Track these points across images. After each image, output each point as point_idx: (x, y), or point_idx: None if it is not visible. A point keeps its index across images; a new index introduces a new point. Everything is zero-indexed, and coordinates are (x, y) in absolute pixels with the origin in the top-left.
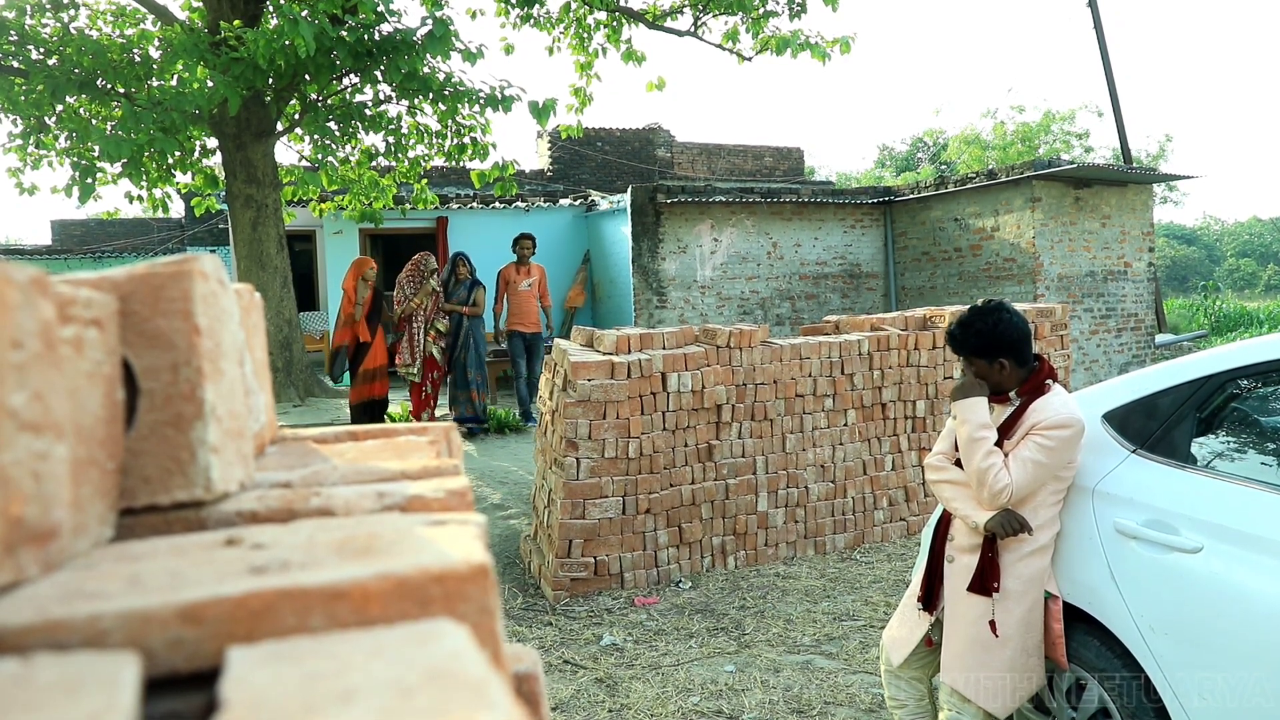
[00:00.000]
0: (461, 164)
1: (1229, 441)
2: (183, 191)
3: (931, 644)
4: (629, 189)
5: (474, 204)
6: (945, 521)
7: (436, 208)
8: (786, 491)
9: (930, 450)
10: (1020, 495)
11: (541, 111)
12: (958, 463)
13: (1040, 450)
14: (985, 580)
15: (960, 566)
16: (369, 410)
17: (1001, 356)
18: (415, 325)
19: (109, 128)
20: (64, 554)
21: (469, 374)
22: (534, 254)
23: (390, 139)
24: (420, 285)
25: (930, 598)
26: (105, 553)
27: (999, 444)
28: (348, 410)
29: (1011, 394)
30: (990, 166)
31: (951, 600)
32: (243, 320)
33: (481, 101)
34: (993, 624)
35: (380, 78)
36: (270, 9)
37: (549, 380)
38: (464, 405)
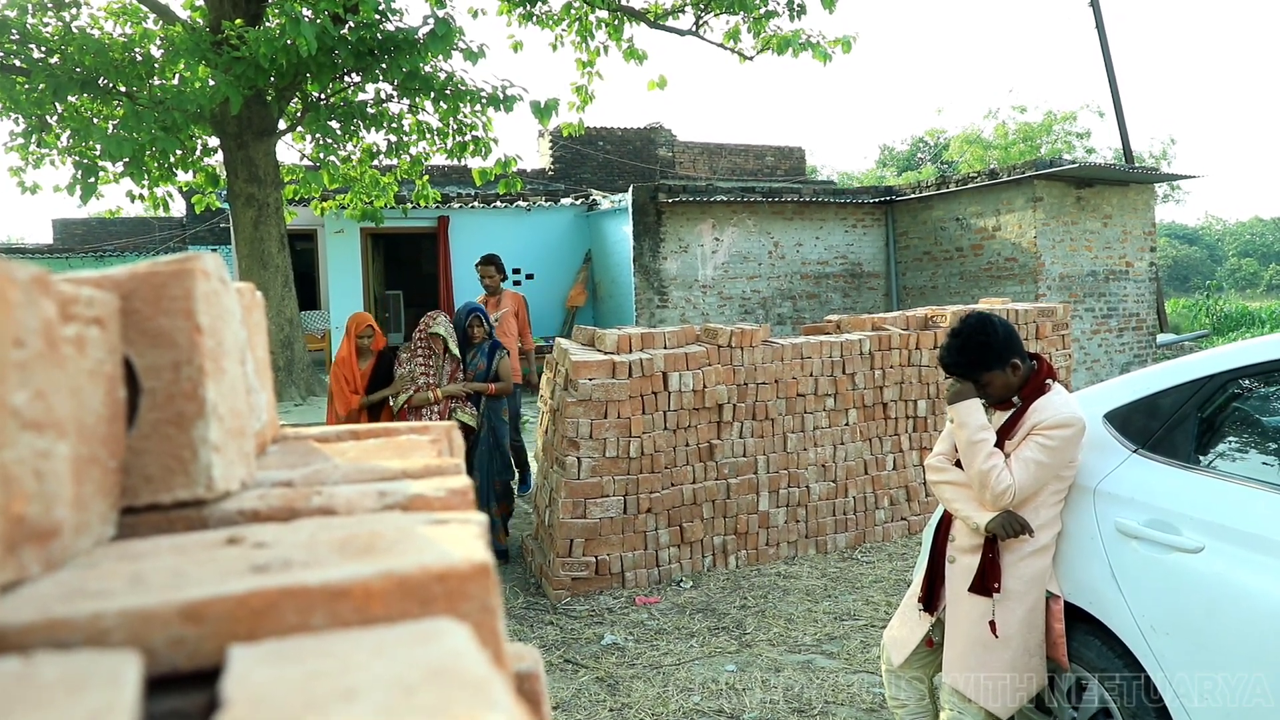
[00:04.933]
0: (463, 161)
1: (1230, 441)
2: (184, 190)
3: (932, 644)
4: (630, 188)
5: (475, 203)
6: (946, 522)
7: (438, 206)
8: (788, 491)
9: (931, 450)
10: (1023, 496)
11: (543, 111)
12: (958, 463)
13: (1042, 450)
14: (986, 581)
15: (961, 567)
16: None
17: (1012, 358)
18: (430, 418)
19: (111, 127)
20: (66, 552)
21: (492, 484)
22: (504, 279)
23: (392, 137)
24: (431, 359)
25: (931, 598)
26: (107, 551)
27: (1000, 445)
28: None
29: (1015, 399)
30: (992, 166)
31: (953, 600)
32: (244, 319)
33: (483, 101)
34: (993, 624)
35: (382, 77)
36: (273, 8)
37: (550, 380)
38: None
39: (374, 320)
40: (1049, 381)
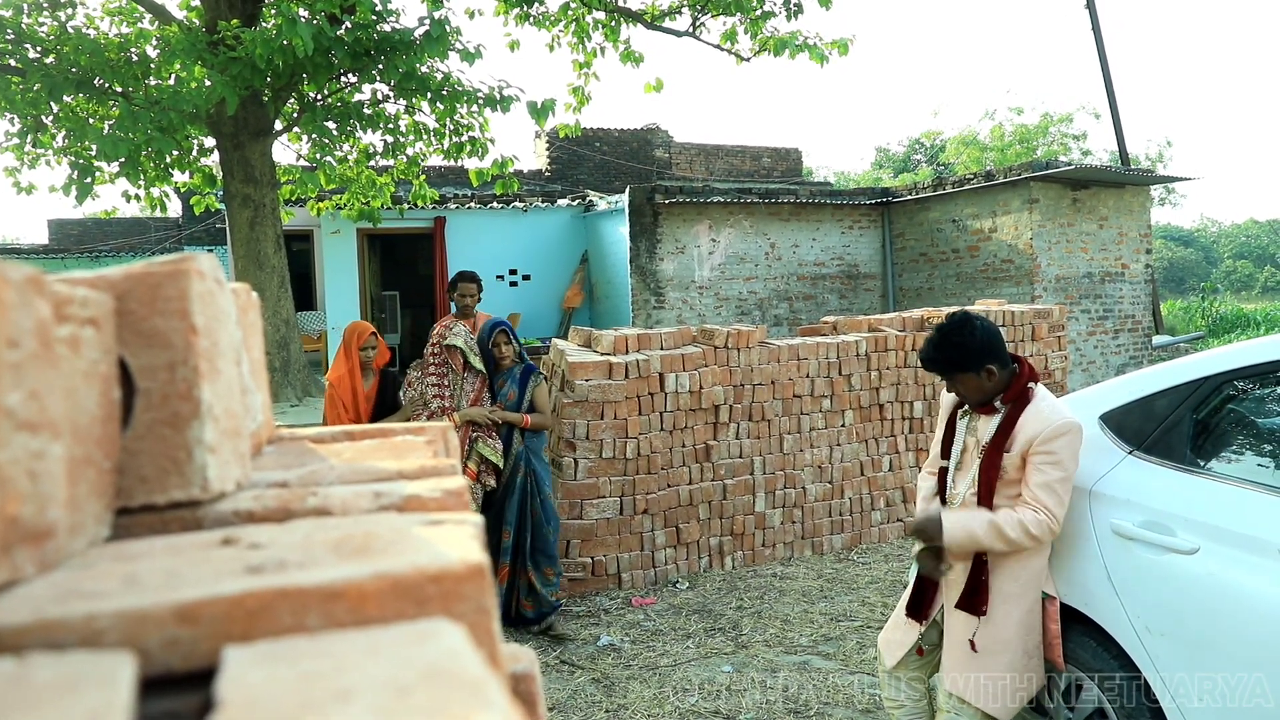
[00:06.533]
0: (460, 162)
1: (1225, 443)
2: (181, 190)
3: (922, 653)
4: (627, 189)
5: (472, 204)
6: None
7: (434, 207)
8: (784, 492)
9: (927, 452)
10: (1062, 516)
11: (540, 111)
12: (944, 471)
13: (1055, 466)
14: (974, 601)
15: (956, 575)
16: None
17: (988, 363)
18: None
19: (106, 127)
20: (60, 553)
21: (541, 536)
22: (479, 301)
23: (388, 138)
24: (446, 378)
25: (919, 608)
26: (101, 552)
27: (996, 457)
28: None
29: (996, 402)
30: (988, 168)
31: (949, 606)
32: (240, 319)
33: (480, 101)
34: (972, 642)
35: (378, 77)
36: (269, 8)
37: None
38: (526, 593)
39: (376, 329)
40: (1031, 385)
